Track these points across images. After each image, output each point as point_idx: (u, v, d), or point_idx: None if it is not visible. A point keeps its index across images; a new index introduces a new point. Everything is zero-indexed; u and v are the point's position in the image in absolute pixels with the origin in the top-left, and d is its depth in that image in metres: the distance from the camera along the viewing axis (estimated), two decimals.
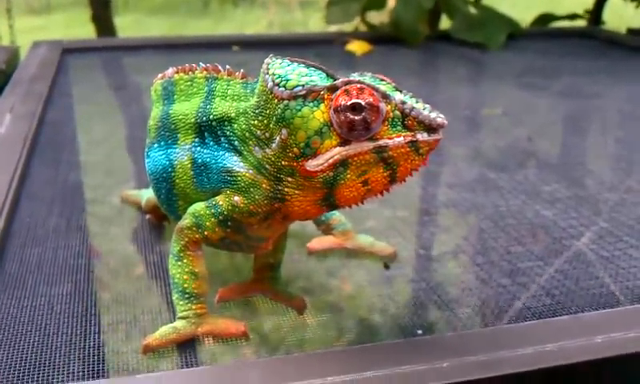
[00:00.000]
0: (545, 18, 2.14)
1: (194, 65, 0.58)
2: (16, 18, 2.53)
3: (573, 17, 2.15)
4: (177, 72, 0.59)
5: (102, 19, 2.36)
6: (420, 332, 0.56)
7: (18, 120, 1.02)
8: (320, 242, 0.70)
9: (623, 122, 1.22)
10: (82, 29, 2.71)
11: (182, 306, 0.54)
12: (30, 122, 1.01)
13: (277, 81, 0.49)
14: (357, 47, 1.63)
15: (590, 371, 0.50)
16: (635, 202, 0.84)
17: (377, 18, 1.97)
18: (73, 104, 1.21)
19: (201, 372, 0.50)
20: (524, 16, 2.17)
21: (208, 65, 0.57)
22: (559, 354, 0.50)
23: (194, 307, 0.54)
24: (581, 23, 2.15)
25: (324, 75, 0.49)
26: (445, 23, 1.96)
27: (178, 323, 0.54)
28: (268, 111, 0.50)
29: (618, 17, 2.41)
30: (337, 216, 0.70)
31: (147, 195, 0.74)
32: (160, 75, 0.61)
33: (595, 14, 2.13)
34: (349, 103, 0.46)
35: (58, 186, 0.86)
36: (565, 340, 0.51)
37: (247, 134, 0.52)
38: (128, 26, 3.85)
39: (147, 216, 0.75)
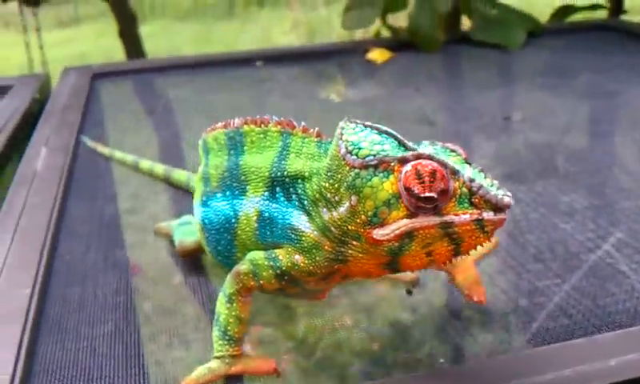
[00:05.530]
0: (565, 10, 2.11)
1: (265, 117, 0.59)
2: (45, 31, 2.60)
3: (594, 7, 2.13)
4: (246, 123, 0.60)
5: (129, 35, 2.41)
6: (442, 361, 0.60)
7: (53, 153, 1.07)
8: None
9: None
10: (110, 40, 2.76)
11: (220, 345, 0.57)
12: (64, 156, 1.06)
13: (350, 148, 0.50)
14: (377, 55, 1.65)
15: None
16: None
17: (400, 19, 1.95)
18: (105, 132, 1.25)
19: None
20: (548, 4, 2.14)
21: (282, 119, 0.58)
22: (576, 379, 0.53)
23: (231, 349, 0.57)
24: (602, 14, 2.13)
25: (395, 143, 0.50)
26: (466, 25, 1.96)
27: (213, 363, 0.57)
28: (339, 176, 0.50)
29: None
30: None
31: (179, 238, 0.76)
32: (220, 124, 0.62)
33: (616, 3, 2.10)
34: (421, 196, 0.47)
35: (95, 220, 0.90)
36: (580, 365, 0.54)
37: (318, 195, 0.52)
38: (156, 32, 3.90)
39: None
